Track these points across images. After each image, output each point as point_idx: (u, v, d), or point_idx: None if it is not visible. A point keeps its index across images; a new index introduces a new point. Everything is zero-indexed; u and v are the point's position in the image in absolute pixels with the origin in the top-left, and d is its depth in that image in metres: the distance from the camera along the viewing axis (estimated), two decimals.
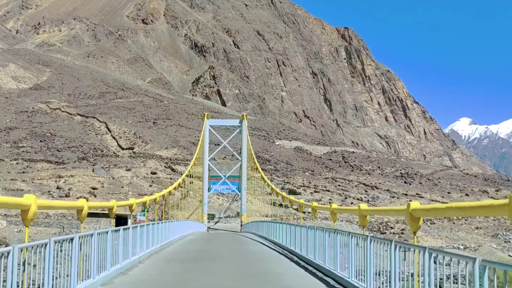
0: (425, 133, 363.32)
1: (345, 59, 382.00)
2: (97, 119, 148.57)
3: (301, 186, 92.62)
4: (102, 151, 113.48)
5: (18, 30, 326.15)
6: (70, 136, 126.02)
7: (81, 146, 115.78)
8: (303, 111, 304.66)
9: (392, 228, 60.07)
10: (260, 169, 55.02)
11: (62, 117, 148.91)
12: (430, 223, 62.02)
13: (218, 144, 75.54)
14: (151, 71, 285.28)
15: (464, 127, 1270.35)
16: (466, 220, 63.33)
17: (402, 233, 57.23)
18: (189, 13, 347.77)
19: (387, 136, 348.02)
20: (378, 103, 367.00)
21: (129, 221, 46.14)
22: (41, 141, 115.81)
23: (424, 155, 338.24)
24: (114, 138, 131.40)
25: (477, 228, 61.24)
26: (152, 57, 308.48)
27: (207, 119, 67.10)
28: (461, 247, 51.41)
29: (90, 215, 45.09)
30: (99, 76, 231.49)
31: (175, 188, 44.89)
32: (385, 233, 58.30)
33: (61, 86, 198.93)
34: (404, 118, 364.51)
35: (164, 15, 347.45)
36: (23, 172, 79.88)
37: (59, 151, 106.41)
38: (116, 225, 47.62)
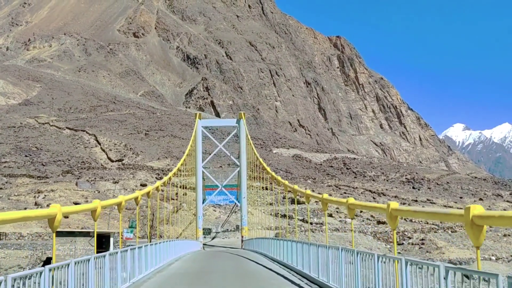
0: (420, 139, 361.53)
1: (338, 67, 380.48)
2: (86, 132, 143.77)
3: (303, 195, 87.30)
4: (90, 164, 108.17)
5: (8, 47, 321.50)
6: (57, 150, 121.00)
7: (68, 160, 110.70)
8: (298, 120, 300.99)
9: (410, 238, 54.58)
10: (265, 165, 46.78)
11: (50, 131, 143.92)
12: (452, 231, 56.78)
13: (210, 153, 65.15)
14: (144, 84, 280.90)
15: (458, 132, 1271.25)
16: (491, 226, 58.09)
17: (423, 244, 51.69)
18: (180, 26, 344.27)
19: (382, 143, 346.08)
20: (373, 111, 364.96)
21: (111, 241, 40.84)
22: (25, 156, 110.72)
23: (420, 161, 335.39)
24: (103, 150, 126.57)
25: (504, 235, 55.90)
26: (144, 70, 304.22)
27: (199, 119, 58.91)
28: (493, 257, 46.14)
29: (67, 234, 39.79)
30: (90, 90, 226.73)
31: (170, 178, 39.02)
32: (403, 243, 53.00)
33: (51, 101, 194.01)
34: (399, 125, 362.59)
35: (155, 28, 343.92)
36: (1, 188, 74.61)
37: (43, 165, 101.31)
38: (98, 246, 42.30)
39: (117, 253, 14.97)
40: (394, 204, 11.20)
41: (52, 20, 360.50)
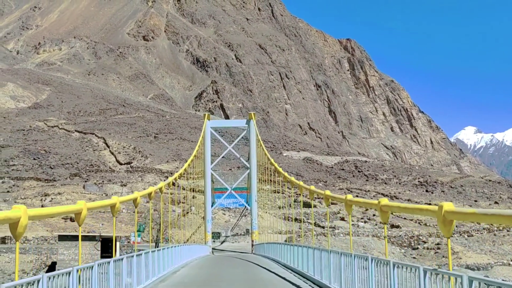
0: (431, 142, 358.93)
1: (348, 70, 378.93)
2: (95, 135, 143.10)
3: (315, 198, 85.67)
4: (99, 167, 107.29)
5: (18, 50, 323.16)
6: (65, 153, 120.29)
7: (77, 163, 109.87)
8: (308, 123, 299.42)
9: (425, 242, 52.86)
10: (276, 166, 44.46)
11: (59, 134, 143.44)
12: (468, 236, 55.04)
13: (219, 156, 63.00)
14: (153, 88, 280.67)
15: (469, 136, 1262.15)
16: (508, 231, 56.05)
17: (438, 248, 49.94)
18: (190, 29, 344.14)
19: (393, 146, 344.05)
20: (383, 114, 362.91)
21: (118, 245, 39.53)
22: (34, 159, 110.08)
23: (432, 165, 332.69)
24: (112, 153, 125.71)
25: None
26: (154, 74, 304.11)
27: (208, 120, 56.86)
28: None
29: (72, 238, 38.66)
30: (100, 93, 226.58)
31: (180, 175, 37.52)
32: (417, 248, 51.34)
33: (60, 104, 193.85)
34: (410, 128, 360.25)
35: (165, 31, 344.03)
36: (8, 191, 73.92)
37: (51, 168, 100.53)
38: (102, 251, 41.15)
39: (109, 263, 13.48)
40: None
41: (62, 24, 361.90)
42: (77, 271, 10.84)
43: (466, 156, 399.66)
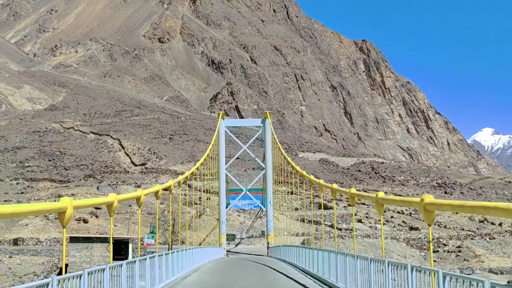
0: (448, 144, 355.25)
1: (364, 71, 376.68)
2: (110, 137, 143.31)
3: (332, 199, 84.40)
4: (113, 168, 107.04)
5: (35, 53, 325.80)
6: (80, 154, 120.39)
7: (92, 164, 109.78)
8: (324, 125, 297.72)
9: (445, 245, 51.42)
10: (293, 164, 42.10)
11: (74, 135, 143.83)
12: (490, 238, 53.47)
13: (232, 157, 61.14)
14: (169, 89, 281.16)
15: (486, 137, 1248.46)
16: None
17: (459, 251, 48.48)
18: (205, 30, 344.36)
19: (409, 148, 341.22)
20: (399, 115, 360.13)
21: (130, 247, 38.73)
22: (49, 160, 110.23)
23: (449, 166, 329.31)
24: (127, 155, 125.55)
25: None
26: (169, 75, 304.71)
27: (222, 119, 55.59)
28: None
29: (83, 240, 37.93)
30: (115, 95, 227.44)
31: (192, 174, 36.44)
32: (437, 251, 49.96)
33: (76, 106, 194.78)
34: (427, 130, 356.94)
35: (180, 33, 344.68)
36: (22, 193, 73.82)
37: (66, 169, 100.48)
38: (115, 253, 40.36)
39: (121, 265, 12.81)
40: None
41: (78, 26, 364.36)
42: (88, 274, 10.58)
43: (484, 157, 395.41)
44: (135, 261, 13.95)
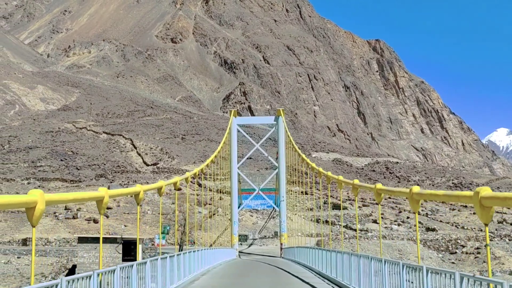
0: (463, 144, 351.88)
1: (377, 71, 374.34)
2: (123, 136, 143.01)
3: (346, 199, 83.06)
4: (125, 168, 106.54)
5: (49, 54, 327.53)
6: (93, 154, 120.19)
7: (103, 164, 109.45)
8: (337, 125, 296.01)
9: (463, 246, 49.97)
10: (308, 161, 40.36)
11: (87, 135, 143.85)
12: (509, 239, 51.91)
13: (244, 157, 59.66)
14: (181, 90, 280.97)
15: (501, 137, 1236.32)
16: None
17: (478, 253, 47.01)
18: (218, 31, 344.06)
19: (423, 148, 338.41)
20: (413, 115, 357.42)
21: (139, 248, 37.78)
22: (61, 160, 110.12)
23: (463, 167, 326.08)
24: (139, 154, 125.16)
25: None
26: (182, 76, 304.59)
27: (234, 117, 54.57)
28: None
29: (92, 240, 37.10)
30: (128, 95, 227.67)
31: (207, 166, 35.14)
32: (455, 252, 48.54)
33: (89, 106, 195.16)
34: (441, 130, 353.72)
35: (193, 33, 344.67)
36: None
37: (78, 169, 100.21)
38: (124, 254, 39.56)
39: (132, 266, 12.17)
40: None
41: (91, 27, 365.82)
42: (98, 275, 10.24)
43: (499, 158, 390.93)
44: (132, 266, 12.75)
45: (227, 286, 20.37)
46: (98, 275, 10.23)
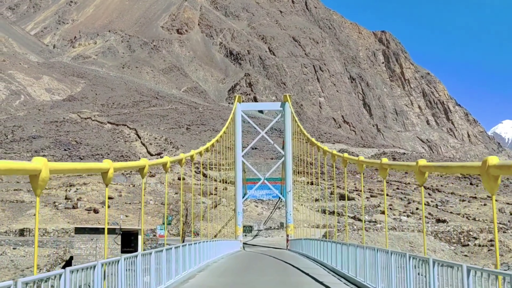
0: (468, 136, 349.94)
1: (383, 63, 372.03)
2: (127, 126, 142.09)
3: (353, 190, 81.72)
4: (129, 157, 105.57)
5: (54, 44, 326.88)
6: (96, 144, 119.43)
7: (107, 154, 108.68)
8: (342, 116, 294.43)
9: (476, 238, 48.58)
10: (318, 144, 38.65)
11: (91, 125, 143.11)
12: None
13: (246, 147, 57.57)
14: (187, 80, 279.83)
15: (507, 129, 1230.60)
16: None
17: (492, 245, 45.59)
18: (223, 22, 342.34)
19: (429, 140, 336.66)
20: (419, 107, 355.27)
21: (140, 238, 36.54)
22: (64, 150, 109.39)
23: (469, 158, 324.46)
24: (143, 144, 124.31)
25: None
26: (188, 67, 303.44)
27: (238, 103, 52.04)
28: None
29: (90, 231, 35.92)
30: (134, 86, 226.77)
31: (206, 150, 33.78)
32: (468, 245, 47.23)
33: (94, 96, 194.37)
34: (446, 121, 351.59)
35: (198, 24, 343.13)
36: None
37: (81, 158, 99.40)
38: (123, 245, 38.39)
39: (136, 257, 11.53)
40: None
41: (97, 18, 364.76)
42: (102, 265, 9.89)
43: (505, 150, 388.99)
44: (118, 261, 11.18)
45: (225, 287, 17.58)
46: (102, 265, 9.89)
